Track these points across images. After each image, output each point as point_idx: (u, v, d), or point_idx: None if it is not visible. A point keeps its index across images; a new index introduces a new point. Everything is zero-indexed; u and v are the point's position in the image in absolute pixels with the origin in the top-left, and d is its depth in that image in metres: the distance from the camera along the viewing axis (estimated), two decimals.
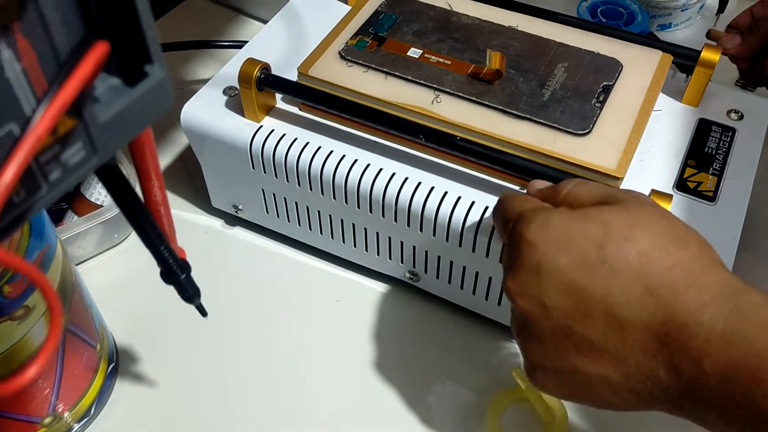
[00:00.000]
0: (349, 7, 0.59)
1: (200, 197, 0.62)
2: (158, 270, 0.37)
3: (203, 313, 0.41)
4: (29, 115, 0.21)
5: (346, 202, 0.51)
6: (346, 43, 0.53)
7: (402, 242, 0.52)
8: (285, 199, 0.54)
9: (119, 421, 0.50)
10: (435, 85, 0.50)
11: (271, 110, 0.53)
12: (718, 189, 0.48)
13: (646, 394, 0.33)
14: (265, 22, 0.75)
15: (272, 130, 0.52)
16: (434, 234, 0.49)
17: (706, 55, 0.50)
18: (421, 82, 0.50)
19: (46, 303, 0.22)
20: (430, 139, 0.47)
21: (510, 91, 0.49)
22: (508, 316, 0.51)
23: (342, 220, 0.53)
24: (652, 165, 0.49)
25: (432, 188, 0.48)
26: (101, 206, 0.57)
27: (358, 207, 0.50)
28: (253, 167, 0.53)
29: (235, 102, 0.53)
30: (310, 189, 0.52)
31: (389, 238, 0.52)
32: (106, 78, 0.25)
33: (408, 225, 0.49)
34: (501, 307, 0.51)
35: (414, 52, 0.52)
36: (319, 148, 0.50)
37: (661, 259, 0.33)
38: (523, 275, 0.35)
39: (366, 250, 0.54)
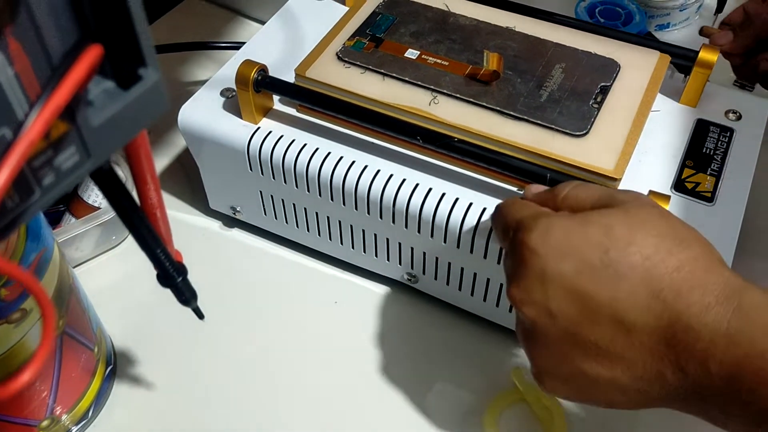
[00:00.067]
0: (346, 8, 0.59)
1: (198, 199, 0.62)
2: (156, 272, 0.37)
3: (200, 315, 0.40)
4: (22, 120, 0.21)
5: (344, 204, 0.51)
6: (344, 44, 0.53)
7: (400, 244, 0.51)
8: (283, 200, 0.54)
9: (117, 423, 0.50)
10: (432, 87, 0.50)
11: (268, 112, 0.53)
12: (716, 189, 0.47)
13: (654, 394, 0.34)
14: (262, 22, 0.75)
15: (270, 132, 0.52)
16: (432, 235, 0.49)
17: (704, 55, 0.50)
18: (419, 83, 0.50)
19: (40, 309, 0.22)
20: (427, 141, 0.47)
21: (507, 92, 0.49)
22: (506, 318, 0.52)
23: (340, 222, 0.53)
24: (650, 166, 0.49)
25: (430, 190, 0.48)
26: (99, 208, 0.57)
27: (356, 209, 0.50)
28: (251, 169, 0.53)
29: (232, 104, 0.53)
30: (308, 191, 0.51)
31: (387, 239, 0.52)
32: (100, 81, 0.25)
33: (406, 227, 0.49)
34: (499, 308, 0.51)
35: (411, 54, 0.52)
36: (317, 149, 0.50)
37: (664, 261, 0.33)
38: (528, 283, 0.35)
39: (364, 252, 0.54)
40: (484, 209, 0.47)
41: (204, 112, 0.53)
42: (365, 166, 0.49)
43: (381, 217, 0.50)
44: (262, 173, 0.52)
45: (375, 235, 0.52)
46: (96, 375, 0.49)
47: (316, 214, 0.53)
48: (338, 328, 0.54)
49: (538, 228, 0.36)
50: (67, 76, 0.22)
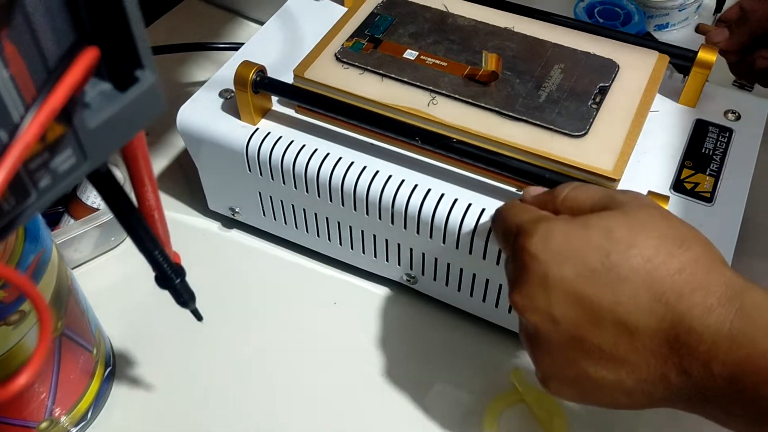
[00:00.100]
0: (345, 9, 0.59)
1: (197, 200, 0.62)
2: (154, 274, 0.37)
3: (198, 317, 0.40)
4: (17, 122, 0.21)
5: (343, 205, 0.51)
6: (342, 45, 0.53)
7: (399, 245, 0.51)
8: (282, 201, 0.54)
9: (116, 425, 0.50)
10: (431, 87, 0.50)
11: (267, 113, 0.53)
12: (715, 190, 0.47)
13: (658, 395, 0.34)
14: (261, 23, 0.75)
15: (268, 133, 0.52)
16: (431, 236, 0.49)
17: (703, 55, 0.50)
18: (417, 84, 0.50)
19: (36, 313, 0.22)
20: (426, 141, 0.47)
21: (506, 92, 0.49)
22: (506, 319, 0.52)
23: (339, 223, 0.53)
24: (649, 166, 0.49)
25: (428, 190, 0.48)
26: (98, 209, 0.57)
27: (355, 209, 0.50)
28: (250, 170, 0.53)
29: (231, 105, 0.53)
30: (307, 191, 0.51)
31: (386, 240, 0.52)
32: (97, 83, 0.25)
33: (405, 227, 0.49)
34: (498, 309, 0.51)
35: (410, 54, 0.52)
36: (316, 150, 0.50)
37: (665, 263, 0.33)
38: (530, 289, 0.35)
39: (363, 253, 0.54)
40: (483, 210, 0.47)
41: (203, 113, 0.53)
42: (364, 167, 0.49)
43: (380, 218, 0.50)
44: (261, 174, 0.52)
45: (374, 236, 0.52)
46: (95, 376, 0.49)
47: (315, 215, 0.53)
48: (337, 329, 0.54)
49: (538, 233, 0.36)
50: (63, 78, 0.22)
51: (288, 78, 0.52)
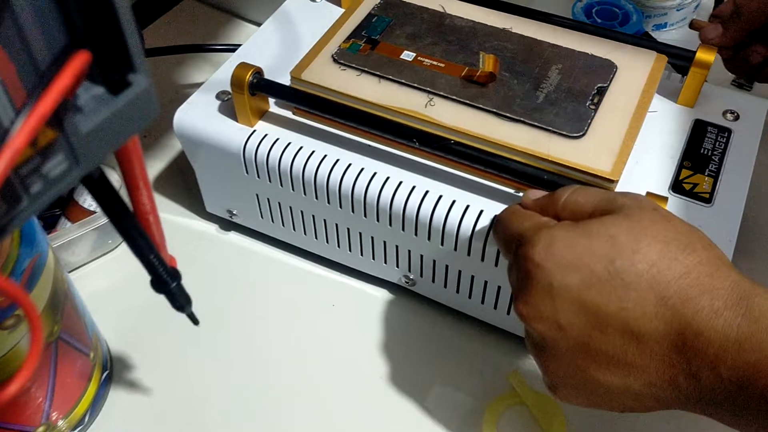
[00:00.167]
0: (342, 10, 0.58)
1: (194, 202, 0.61)
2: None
3: (194, 321, 0.40)
4: (7, 127, 0.21)
5: (340, 207, 0.50)
6: (339, 46, 0.53)
7: (397, 247, 0.51)
8: (279, 203, 0.54)
9: (114, 429, 0.49)
10: (428, 89, 0.50)
11: (264, 114, 0.53)
12: (714, 190, 0.47)
13: (668, 399, 0.34)
14: (258, 24, 0.75)
15: (266, 135, 0.51)
16: (429, 238, 0.48)
17: (701, 55, 0.50)
18: (415, 85, 0.50)
19: (28, 321, 0.22)
20: (423, 143, 0.47)
21: (504, 93, 0.49)
22: (505, 321, 0.51)
23: (336, 225, 0.53)
24: (648, 167, 0.49)
25: (426, 192, 0.48)
26: (94, 212, 0.57)
27: (352, 211, 0.50)
28: (247, 172, 0.53)
29: (228, 107, 0.53)
30: (304, 193, 0.51)
31: (384, 242, 0.51)
32: (90, 87, 0.25)
33: (403, 229, 0.49)
34: (497, 311, 0.51)
35: (407, 55, 0.52)
36: (313, 152, 0.50)
37: (670, 267, 0.33)
38: (535, 298, 0.35)
39: (361, 255, 0.54)
40: (482, 212, 0.46)
41: (199, 116, 0.53)
42: (361, 169, 0.49)
43: (378, 220, 0.50)
44: (258, 176, 0.52)
45: (372, 238, 0.52)
46: (92, 380, 0.48)
47: (313, 217, 0.53)
48: (336, 331, 0.54)
49: (541, 241, 0.35)
50: (53, 82, 0.22)
51: (285, 80, 0.52)
